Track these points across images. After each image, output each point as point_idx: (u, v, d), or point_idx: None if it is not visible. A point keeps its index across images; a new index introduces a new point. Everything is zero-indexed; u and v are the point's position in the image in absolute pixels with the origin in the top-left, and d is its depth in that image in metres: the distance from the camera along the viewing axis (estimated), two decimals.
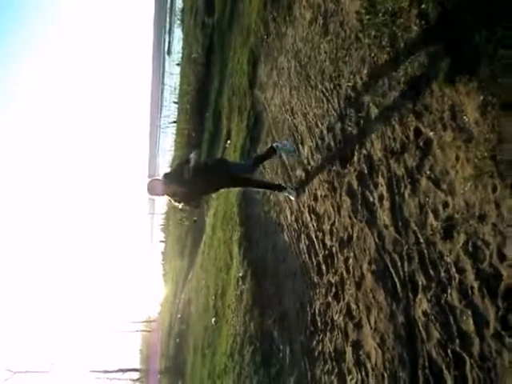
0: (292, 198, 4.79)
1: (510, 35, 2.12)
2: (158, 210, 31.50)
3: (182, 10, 26.08)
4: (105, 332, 30.52)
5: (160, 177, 4.48)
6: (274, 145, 4.84)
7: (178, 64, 25.25)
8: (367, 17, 3.50)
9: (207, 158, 12.42)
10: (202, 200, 4.39)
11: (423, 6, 2.80)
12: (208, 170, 4.51)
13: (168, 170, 4.74)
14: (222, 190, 4.85)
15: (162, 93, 29.40)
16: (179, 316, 16.70)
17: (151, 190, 4.37)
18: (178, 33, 27.82)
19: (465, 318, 2.22)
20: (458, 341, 2.24)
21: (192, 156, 4.47)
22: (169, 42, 31.51)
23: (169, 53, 30.84)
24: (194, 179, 4.26)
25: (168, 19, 32.10)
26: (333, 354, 3.50)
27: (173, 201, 4.51)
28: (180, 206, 4.64)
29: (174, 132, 23.79)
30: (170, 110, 24.08)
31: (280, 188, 4.92)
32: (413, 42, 2.89)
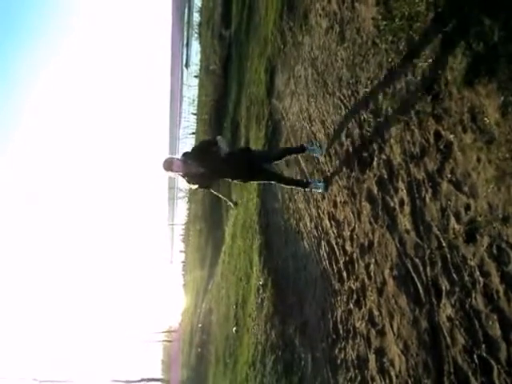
0: (320, 191, 4.61)
1: None
2: (177, 220, 31.79)
3: (200, 24, 26.58)
4: (127, 342, 30.86)
5: (177, 156, 4.37)
6: (305, 145, 4.89)
7: (196, 76, 25.67)
8: (384, 22, 3.51)
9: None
10: (218, 183, 4.33)
11: (440, 9, 2.80)
12: (234, 157, 4.45)
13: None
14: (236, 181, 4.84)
15: (181, 105, 29.86)
16: (200, 325, 16.73)
17: (167, 166, 4.19)
18: (195, 46, 28.35)
19: (491, 322, 2.17)
20: (484, 346, 2.19)
21: (219, 139, 4.43)
22: (187, 55, 32.06)
23: (187, 65, 31.33)
24: (221, 162, 4.26)
25: (185, 33, 32.71)
26: (355, 362, 3.46)
27: (188, 182, 4.40)
28: (195, 187, 4.53)
29: (194, 143, 24.12)
30: (189, 122, 24.46)
31: (305, 184, 4.76)
32: (430, 45, 2.88)
